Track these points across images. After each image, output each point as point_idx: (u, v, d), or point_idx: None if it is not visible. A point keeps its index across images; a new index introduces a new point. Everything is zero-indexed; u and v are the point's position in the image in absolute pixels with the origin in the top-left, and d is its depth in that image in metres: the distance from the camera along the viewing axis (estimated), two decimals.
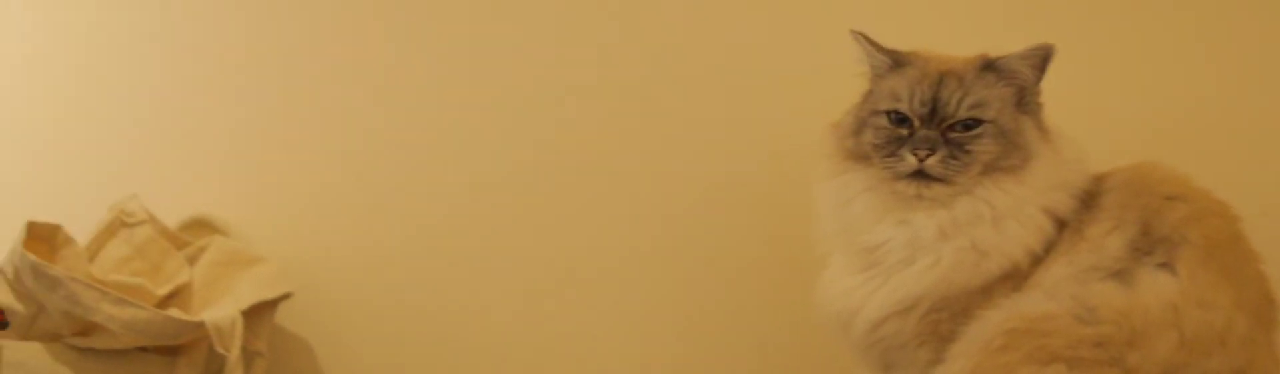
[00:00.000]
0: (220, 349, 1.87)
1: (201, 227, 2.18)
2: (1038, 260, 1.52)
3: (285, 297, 2.04)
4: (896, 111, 1.56)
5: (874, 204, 1.58)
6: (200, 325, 1.87)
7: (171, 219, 2.14)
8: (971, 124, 1.53)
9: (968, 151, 1.52)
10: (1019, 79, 1.56)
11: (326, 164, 2.23)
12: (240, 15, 2.30)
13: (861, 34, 1.62)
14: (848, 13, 2.00)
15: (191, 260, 2.06)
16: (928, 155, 1.51)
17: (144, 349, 1.92)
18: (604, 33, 2.12)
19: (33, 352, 1.82)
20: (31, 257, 1.79)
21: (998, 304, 1.48)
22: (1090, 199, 1.55)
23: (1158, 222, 1.50)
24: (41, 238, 1.89)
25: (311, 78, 2.25)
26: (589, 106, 2.12)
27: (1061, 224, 1.54)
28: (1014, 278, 1.52)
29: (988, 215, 1.52)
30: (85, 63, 2.38)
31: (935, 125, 1.54)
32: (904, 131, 1.55)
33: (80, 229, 1.97)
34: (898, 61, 1.60)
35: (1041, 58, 1.55)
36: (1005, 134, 1.54)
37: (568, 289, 2.10)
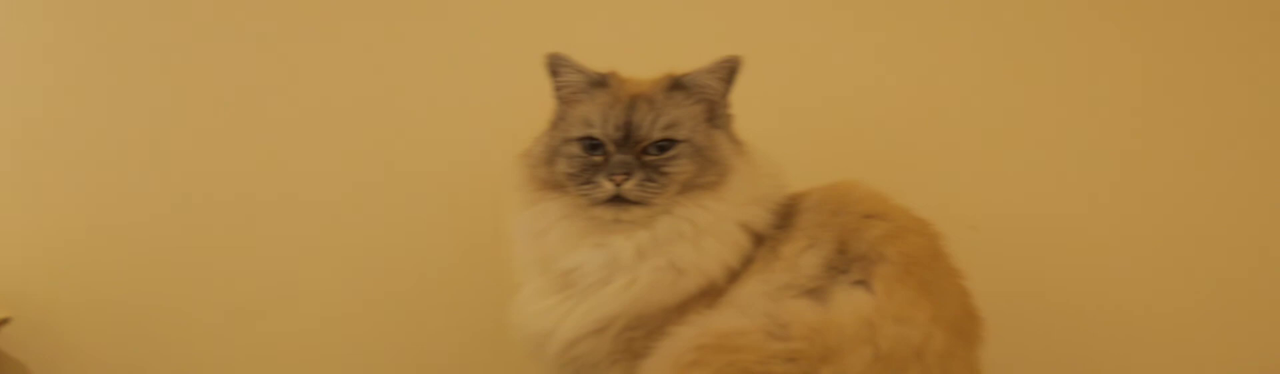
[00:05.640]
0: None
1: None
2: (734, 277, 1.52)
3: (4, 322, 2.04)
4: (590, 138, 1.57)
5: (571, 231, 1.58)
6: None
7: None
8: (666, 145, 1.55)
9: (664, 173, 1.53)
10: (708, 93, 1.58)
11: (26, 188, 2.19)
12: None
13: (563, 56, 1.62)
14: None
15: None
16: (624, 180, 1.52)
17: None
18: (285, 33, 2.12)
19: None
20: None
21: (690, 321, 1.48)
22: (787, 217, 1.56)
23: (855, 240, 1.50)
24: None
25: None
26: (281, 110, 2.11)
27: (759, 239, 1.54)
28: (709, 295, 1.51)
29: (689, 233, 1.53)
30: None
31: (630, 149, 1.55)
32: (599, 158, 1.56)
33: None
34: (596, 83, 1.61)
35: (729, 70, 1.57)
36: (700, 151, 1.55)
37: (271, 308, 2.11)
